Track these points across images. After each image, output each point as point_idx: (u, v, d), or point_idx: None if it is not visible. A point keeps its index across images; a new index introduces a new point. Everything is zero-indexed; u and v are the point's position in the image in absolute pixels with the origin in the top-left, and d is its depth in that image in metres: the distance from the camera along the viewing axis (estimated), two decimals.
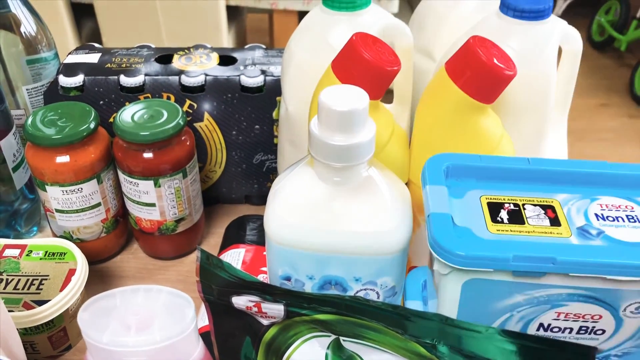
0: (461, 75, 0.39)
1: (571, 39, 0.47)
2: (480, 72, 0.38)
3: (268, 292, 0.31)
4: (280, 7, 1.73)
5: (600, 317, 0.34)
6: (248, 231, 0.55)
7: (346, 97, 0.33)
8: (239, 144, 0.60)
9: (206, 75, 0.57)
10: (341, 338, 0.32)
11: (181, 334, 0.28)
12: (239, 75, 0.57)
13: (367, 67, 0.39)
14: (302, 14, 1.28)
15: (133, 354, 0.27)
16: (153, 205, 0.54)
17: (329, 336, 0.32)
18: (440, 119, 0.41)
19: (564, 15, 3.07)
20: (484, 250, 0.32)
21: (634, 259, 0.31)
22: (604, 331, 0.35)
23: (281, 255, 0.37)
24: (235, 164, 0.61)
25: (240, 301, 0.32)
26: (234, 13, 1.86)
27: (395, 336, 0.30)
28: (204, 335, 0.37)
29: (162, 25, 1.76)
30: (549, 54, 0.45)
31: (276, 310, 0.32)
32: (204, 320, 0.43)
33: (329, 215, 0.35)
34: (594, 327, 0.35)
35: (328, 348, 0.33)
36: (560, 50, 0.47)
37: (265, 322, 0.33)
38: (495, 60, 0.38)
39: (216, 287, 0.32)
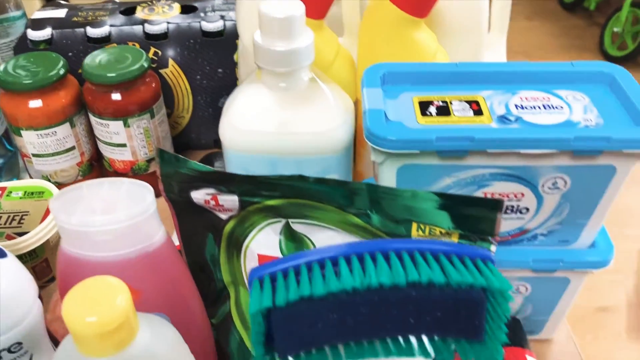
0: None
1: None
2: None
3: (223, 181, 0.35)
4: None
5: (523, 195, 0.38)
6: (216, 167, 0.59)
7: (283, 6, 0.36)
8: (203, 88, 0.63)
9: (168, 23, 0.60)
10: (290, 220, 0.35)
11: (143, 214, 0.32)
12: (199, 22, 0.60)
13: None
14: None
15: (100, 233, 0.31)
16: (124, 145, 0.57)
17: (280, 221, 0.36)
18: (380, 36, 0.45)
19: None
20: (412, 135, 0.35)
21: (544, 134, 0.35)
22: (527, 209, 0.39)
23: (236, 161, 0.40)
24: (202, 109, 0.65)
25: (199, 195, 0.35)
26: None
27: (335, 211, 0.34)
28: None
29: None
30: None
31: (231, 201, 0.35)
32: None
33: (278, 120, 0.39)
34: (518, 205, 0.39)
35: (280, 233, 0.36)
36: None
37: (223, 216, 0.37)
38: None
39: (176, 183, 0.36)
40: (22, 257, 0.50)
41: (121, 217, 0.31)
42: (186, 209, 0.37)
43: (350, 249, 0.27)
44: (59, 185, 0.58)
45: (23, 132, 0.55)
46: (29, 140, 0.56)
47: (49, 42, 0.60)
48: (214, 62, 0.62)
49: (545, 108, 0.38)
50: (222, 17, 0.61)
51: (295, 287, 0.26)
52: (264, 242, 0.36)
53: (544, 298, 0.45)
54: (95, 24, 0.61)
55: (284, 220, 0.35)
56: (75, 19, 0.62)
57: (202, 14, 0.62)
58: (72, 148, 0.57)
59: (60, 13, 0.63)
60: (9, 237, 0.49)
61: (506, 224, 0.40)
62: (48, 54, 0.57)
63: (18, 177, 0.64)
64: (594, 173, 0.37)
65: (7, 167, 0.63)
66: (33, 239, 0.49)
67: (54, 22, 0.61)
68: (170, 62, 0.61)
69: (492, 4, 0.52)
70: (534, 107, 0.38)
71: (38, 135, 0.55)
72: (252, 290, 0.27)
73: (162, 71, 0.62)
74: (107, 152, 0.58)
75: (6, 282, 0.30)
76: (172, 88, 0.63)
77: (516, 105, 0.38)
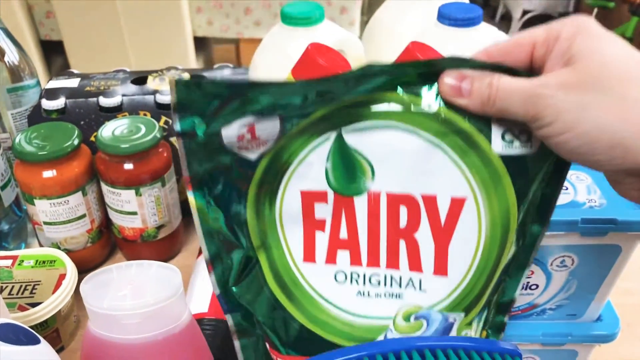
0: None
1: None
2: None
3: (262, 86, 0.30)
4: (246, 36, 1.80)
5: (532, 272, 0.40)
6: None
7: None
8: None
9: None
10: (343, 129, 0.31)
11: (170, 298, 0.33)
12: None
13: (322, 72, 0.44)
14: None
15: (129, 317, 0.32)
16: (135, 213, 0.58)
17: (328, 139, 0.31)
18: None
19: None
20: None
21: (556, 216, 0.37)
22: (537, 286, 0.41)
23: None
24: None
25: (231, 131, 0.31)
26: (201, 44, 1.93)
27: (396, 97, 0.31)
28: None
29: (131, 59, 1.82)
30: None
31: (271, 128, 0.31)
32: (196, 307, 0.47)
33: None
34: (528, 282, 0.40)
35: (328, 159, 0.32)
36: None
37: (253, 156, 0.32)
38: None
39: (203, 118, 0.31)
40: (33, 328, 0.50)
41: (150, 301, 0.32)
42: (205, 160, 0.32)
43: (387, 346, 0.27)
44: (69, 252, 0.59)
45: (36, 201, 0.56)
46: (42, 209, 0.57)
47: (62, 112, 0.62)
48: None
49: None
50: None
51: None
52: (307, 174, 0.32)
53: None
54: (107, 93, 0.63)
55: (333, 135, 0.31)
56: (87, 88, 0.64)
57: None
58: (83, 216, 0.58)
59: (73, 83, 0.65)
60: (22, 308, 0.50)
61: (517, 300, 0.41)
62: (62, 125, 0.58)
63: (26, 243, 0.65)
64: (600, 252, 0.39)
65: (15, 232, 0.64)
66: (45, 310, 0.50)
67: (67, 92, 0.63)
68: None
69: None
70: None
71: (51, 204, 0.56)
72: None
73: (172, 139, 0.63)
74: (118, 219, 0.59)
75: None
76: None
77: None
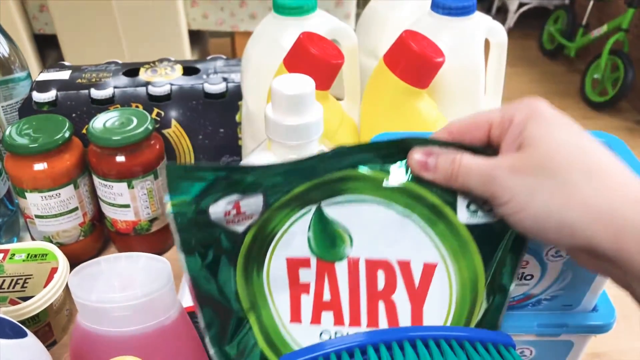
0: (397, 65, 0.45)
1: (495, 32, 0.53)
2: (413, 60, 0.44)
3: (252, 174, 0.33)
4: (241, 29, 1.79)
5: (527, 262, 0.39)
6: None
7: (294, 83, 0.38)
8: (205, 147, 0.64)
9: (171, 84, 0.62)
10: (323, 203, 0.34)
11: (160, 290, 0.32)
12: (202, 83, 0.62)
13: (313, 60, 0.44)
14: None
15: (119, 309, 0.31)
16: (127, 206, 0.58)
17: (309, 212, 0.34)
18: (383, 106, 0.47)
19: (516, 27, 3.20)
20: None
21: None
22: (532, 276, 0.40)
23: None
24: None
25: (218, 208, 0.33)
26: (196, 38, 1.91)
27: (370, 178, 0.33)
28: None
29: (125, 53, 1.80)
30: (476, 45, 0.50)
31: (254, 204, 0.33)
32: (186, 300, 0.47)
33: None
34: (523, 272, 0.40)
35: (309, 229, 0.34)
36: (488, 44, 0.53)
37: (240, 228, 0.34)
38: (425, 49, 0.44)
39: (192, 202, 0.33)
40: (24, 322, 0.50)
41: (139, 293, 0.32)
42: (195, 234, 0.34)
43: (378, 336, 0.27)
44: (61, 246, 0.59)
45: (27, 194, 0.55)
46: (33, 202, 0.56)
47: (53, 104, 0.61)
48: (216, 123, 0.63)
49: None
50: (225, 79, 0.62)
51: None
52: (291, 243, 0.35)
53: None
54: (99, 85, 0.62)
55: (313, 208, 0.34)
56: (79, 80, 0.63)
57: (204, 76, 0.63)
58: (75, 209, 0.58)
59: (65, 75, 0.64)
60: (13, 302, 0.49)
61: (512, 290, 0.41)
62: (53, 117, 0.58)
63: (18, 236, 0.64)
64: None
65: (7, 226, 0.63)
66: (37, 304, 0.49)
67: (58, 84, 0.62)
68: (173, 122, 0.63)
69: (488, 70, 0.54)
70: None
71: (42, 197, 0.55)
72: None
73: (165, 131, 0.63)
74: (110, 212, 0.59)
75: None
76: (174, 148, 0.64)
77: None
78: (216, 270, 0.35)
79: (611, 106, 2.42)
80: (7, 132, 0.55)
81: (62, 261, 0.53)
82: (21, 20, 1.79)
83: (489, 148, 0.32)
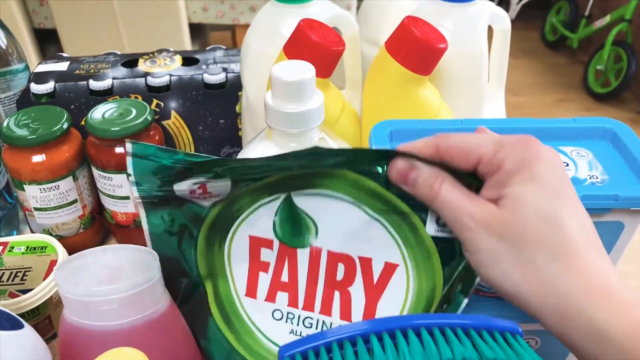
0: (399, 52, 0.44)
1: (499, 18, 0.52)
2: (415, 47, 0.43)
3: (217, 164, 0.33)
4: (241, 22, 1.78)
5: None
6: None
7: (294, 70, 0.37)
8: (205, 138, 0.64)
9: (170, 75, 0.61)
10: (293, 194, 0.34)
11: (148, 283, 0.31)
12: (201, 74, 0.61)
13: (314, 47, 0.43)
14: None
15: (106, 303, 0.30)
16: (127, 198, 0.57)
17: (277, 198, 0.35)
18: (385, 93, 0.46)
19: (518, 18, 3.18)
20: None
21: None
22: None
23: None
24: None
25: (184, 187, 0.34)
26: (197, 31, 1.90)
27: (346, 176, 0.34)
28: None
29: (126, 47, 1.80)
30: (479, 32, 0.50)
31: (222, 186, 0.34)
32: None
33: None
34: None
35: (276, 214, 0.35)
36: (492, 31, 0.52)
37: (206, 203, 0.35)
38: (427, 35, 0.43)
39: (157, 177, 0.34)
40: (24, 315, 0.49)
41: (127, 285, 0.31)
42: (160, 203, 0.36)
43: (381, 325, 0.27)
44: (61, 239, 0.58)
45: (26, 187, 0.55)
46: (32, 194, 0.55)
47: (51, 96, 0.61)
48: (216, 113, 0.62)
49: None
50: (225, 70, 0.62)
51: None
52: (256, 223, 0.36)
53: (554, 351, 0.45)
54: (97, 76, 0.61)
55: (282, 197, 0.34)
56: (77, 72, 0.62)
57: (204, 66, 0.63)
58: (75, 201, 0.57)
59: (63, 66, 0.63)
60: (12, 295, 0.49)
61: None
62: (51, 108, 0.57)
63: (18, 230, 0.64)
64: (602, 229, 0.37)
65: (7, 219, 0.62)
66: (36, 296, 0.49)
67: (57, 76, 0.62)
68: (173, 113, 0.62)
69: (491, 58, 0.53)
70: None
71: (41, 189, 0.55)
72: None
73: (164, 122, 0.62)
74: (110, 204, 0.58)
75: (23, 356, 0.30)
76: (174, 139, 0.63)
77: None
78: (180, 235, 0.36)
79: (614, 97, 2.40)
80: (5, 124, 0.54)
81: (62, 253, 0.53)
82: (21, 14, 1.78)
83: (474, 176, 0.32)
